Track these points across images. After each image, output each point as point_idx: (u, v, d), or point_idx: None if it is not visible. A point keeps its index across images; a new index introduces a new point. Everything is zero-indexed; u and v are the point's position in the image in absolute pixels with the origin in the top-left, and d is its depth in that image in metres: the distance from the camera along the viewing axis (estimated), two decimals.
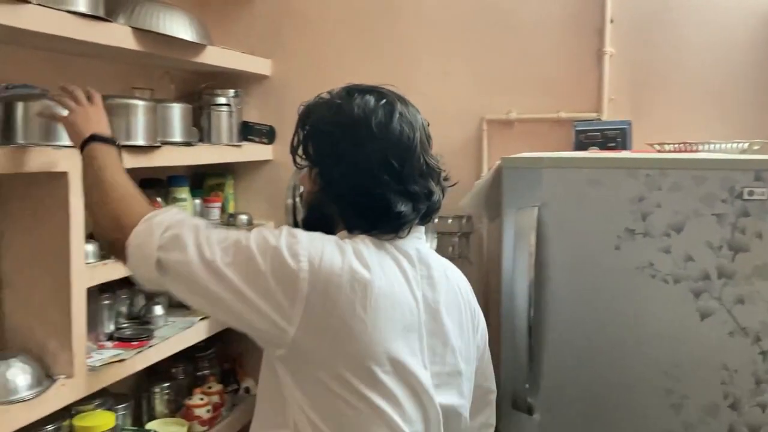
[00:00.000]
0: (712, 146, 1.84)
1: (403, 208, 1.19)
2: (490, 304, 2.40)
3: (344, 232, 1.24)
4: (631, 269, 1.61)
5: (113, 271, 1.83)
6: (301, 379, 1.16)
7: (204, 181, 2.57)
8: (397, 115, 1.21)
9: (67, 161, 1.60)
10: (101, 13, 1.72)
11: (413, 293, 1.21)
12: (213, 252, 1.14)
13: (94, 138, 1.40)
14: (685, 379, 1.59)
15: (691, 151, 1.85)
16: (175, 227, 1.19)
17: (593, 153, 1.90)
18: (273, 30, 2.59)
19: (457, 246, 2.30)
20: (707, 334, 1.58)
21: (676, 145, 1.87)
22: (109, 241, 1.28)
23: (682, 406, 1.60)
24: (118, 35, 1.80)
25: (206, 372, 2.48)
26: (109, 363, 1.78)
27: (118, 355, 1.83)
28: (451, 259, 2.30)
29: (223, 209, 2.56)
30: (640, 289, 1.61)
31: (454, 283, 1.31)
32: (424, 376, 1.20)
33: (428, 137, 1.28)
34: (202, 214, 2.44)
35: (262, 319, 1.13)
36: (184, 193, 2.29)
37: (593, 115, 2.27)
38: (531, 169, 1.67)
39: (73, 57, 1.97)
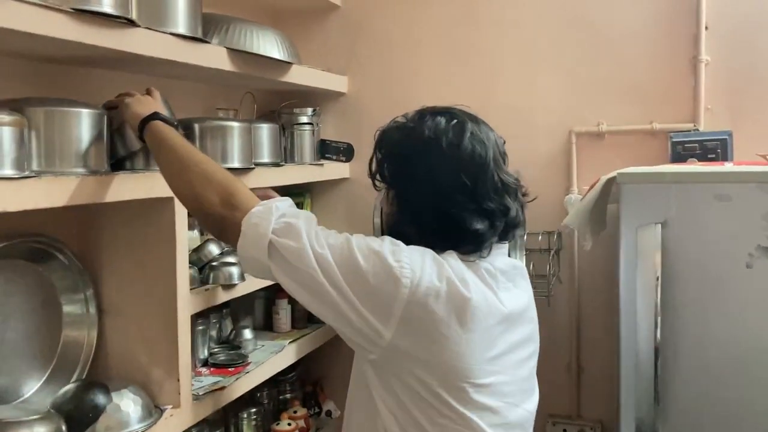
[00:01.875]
0: None
1: (479, 225, 1.21)
2: (585, 324, 2.33)
3: None
4: (764, 289, 1.53)
5: (214, 296, 1.80)
6: (393, 386, 1.19)
7: None
8: (468, 134, 1.24)
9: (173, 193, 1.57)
10: (199, 34, 1.70)
11: (502, 304, 1.22)
12: (322, 246, 1.17)
13: (156, 116, 1.39)
14: None
15: None
16: (290, 216, 1.21)
17: (720, 167, 1.82)
18: (348, 46, 2.55)
19: (550, 263, 2.22)
20: None
21: None
22: (216, 215, 1.25)
23: None
24: (214, 56, 1.77)
25: (289, 396, 2.45)
26: (211, 391, 1.74)
27: (218, 382, 1.80)
28: (543, 276, 2.26)
29: None
30: None
31: (529, 291, 1.35)
32: (514, 386, 1.24)
33: (503, 154, 1.29)
34: None
35: (360, 319, 1.15)
36: None
37: (689, 125, 2.18)
38: (652, 184, 1.60)
39: (156, 78, 1.95)
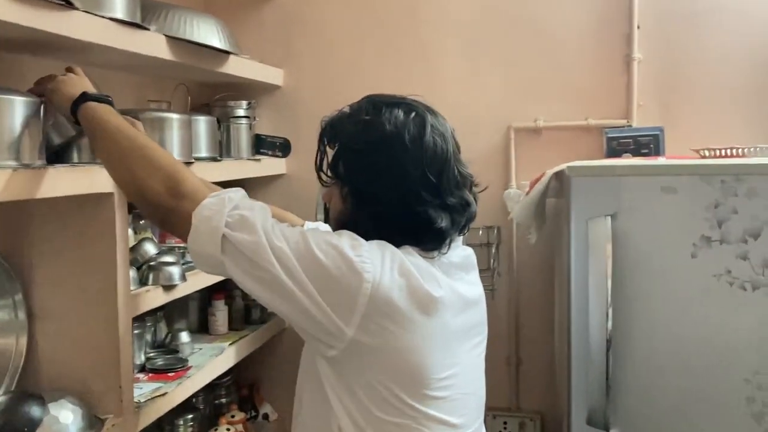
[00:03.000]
0: (759, 150, 1.84)
1: (444, 223, 1.18)
2: (524, 317, 2.36)
3: None
4: (708, 277, 1.59)
5: (155, 298, 1.70)
6: (351, 383, 1.15)
7: None
8: (429, 128, 1.20)
9: (112, 180, 1.47)
10: (138, 20, 1.60)
11: (458, 296, 1.21)
12: (280, 238, 1.11)
13: (86, 96, 1.28)
14: (767, 386, 1.57)
15: (739, 156, 1.84)
16: (244, 208, 1.14)
17: (667, 160, 1.87)
18: (284, 38, 2.49)
19: (492, 258, 2.24)
20: None
21: (724, 150, 1.86)
22: (162, 207, 1.17)
23: (764, 414, 1.58)
24: (153, 44, 1.68)
25: (225, 400, 2.36)
26: (152, 398, 1.65)
27: (160, 388, 1.71)
28: (485, 271, 2.27)
29: None
30: (718, 297, 1.58)
31: (479, 281, 1.34)
32: (468, 375, 1.24)
33: (458, 145, 1.27)
34: None
35: (322, 315, 1.10)
36: None
37: (623, 121, 2.25)
38: (601, 178, 1.63)
39: (87, 67, 1.82)
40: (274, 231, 1.12)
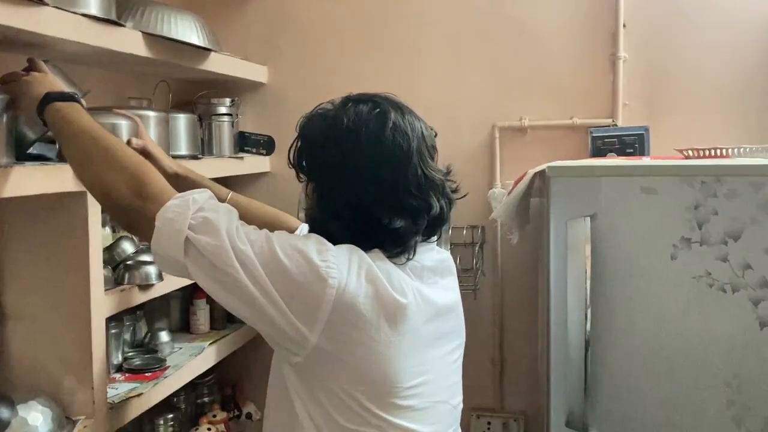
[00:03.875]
0: (743, 151, 1.82)
1: (399, 223, 1.14)
2: (508, 317, 2.34)
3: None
4: (687, 279, 1.57)
5: (130, 297, 1.68)
6: (316, 391, 1.13)
7: None
8: (390, 124, 1.16)
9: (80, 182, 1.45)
10: (113, 16, 1.58)
11: (429, 301, 1.18)
12: (244, 242, 1.08)
13: (50, 97, 1.24)
14: (747, 389, 1.56)
15: (723, 157, 1.83)
16: (208, 210, 1.11)
17: (647, 161, 1.86)
18: (268, 35, 2.46)
19: (475, 257, 2.22)
20: (767, 342, 1.55)
21: (708, 151, 1.84)
22: (126, 208, 1.14)
23: (743, 418, 1.56)
24: (129, 41, 1.66)
25: (207, 399, 2.34)
26: (127, 398, 1.63)
27: (135, 388, 1.69)
28: (469, 270, 2.25)
29: None
30: (698, 299, 1.57)
31: (455, 286, 1.31)
32: (440, 382, 1.21)
33: (430, 147, 1.21)
34: None
35: (285, 321, 1.08)
36: None
37: (608, 121, 2.23)
38: (581, 178, 1.62)
39: (63, 64, 1.80)
40: (238, 234, 1.09)
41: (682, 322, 1.58)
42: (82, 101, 1.30)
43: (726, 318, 1.56)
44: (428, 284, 1.20)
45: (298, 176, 1.26)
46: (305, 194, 1.25)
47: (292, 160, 1.24)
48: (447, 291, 1.26)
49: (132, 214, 1.14)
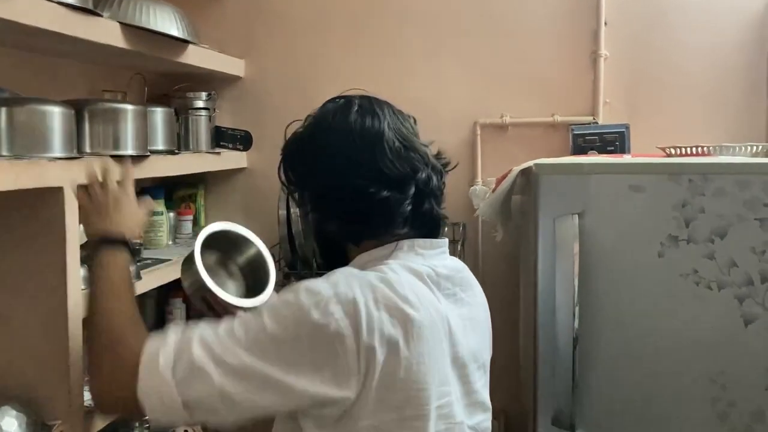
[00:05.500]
0: (724, 149, 1.83)
1: (386, 192, 1.12)
2: (492, 316, 2.32)
3: (363, 256, 1.16)
4: (675, 277, 1.57)
5: None
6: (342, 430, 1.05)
7: (173, 192, 2.36)
8: (356, 108, 1.17)
9: (63, 175, 1.40)
10: (90, 5, 1.52)
11: (446, 317, 1.12)
12: (237, 355, 1.00)
13: (105, 241, 1.23)
14: (731, 386, 1.57)
15: (705, 155, 1.84)
16: (182, 351, 1.02)
17: (632, 158, 1.86)
18: (245, 28, 2.41)
19: (457, 255, 2.20)
20: (752, 339, 1.56)
21: (690, 149, 1.85)
22: (113, 400, 1.10)
23: (728, 414, 1.57)
24: (106, 31, 1.60)
25: None
26: None
27: None
28: None
29: (195, 222, 2.36)
30: (685, 296, 1.57)
31: (479, 296, 1.27)
32: (462, 402, 1.15)
33: (407, 127, 1.19)
34: (176, 227, 2.24)
35: (320, 395, 1.01)
36: (159, 206, 2.09)
37: (589, 118, 2.24)
38: (569, 175, 1.61)
39: (34, 55, 1.75)
40: (225, 348, 1.00)
41: (669, 319, 1.59)
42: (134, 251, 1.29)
43: (712, 315, 1.57)
44: (447, 295, 1.15)
45: (292, 195, 1.27)
46: (303, 206, 1.23)
47: (282, 179, 1.24)
48: (468, 302, 1.20)
49: (115, 407, 1.15)
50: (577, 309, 1.56)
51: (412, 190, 1.14)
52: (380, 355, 1.01)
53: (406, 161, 1.14)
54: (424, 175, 1.15)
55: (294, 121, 1.29)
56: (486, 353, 1.26)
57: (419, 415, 1.05)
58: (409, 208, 1.14)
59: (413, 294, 1.06)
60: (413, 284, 1.09)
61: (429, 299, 1.10)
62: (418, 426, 1.05)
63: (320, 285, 1.04)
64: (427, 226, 1.19)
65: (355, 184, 1.13)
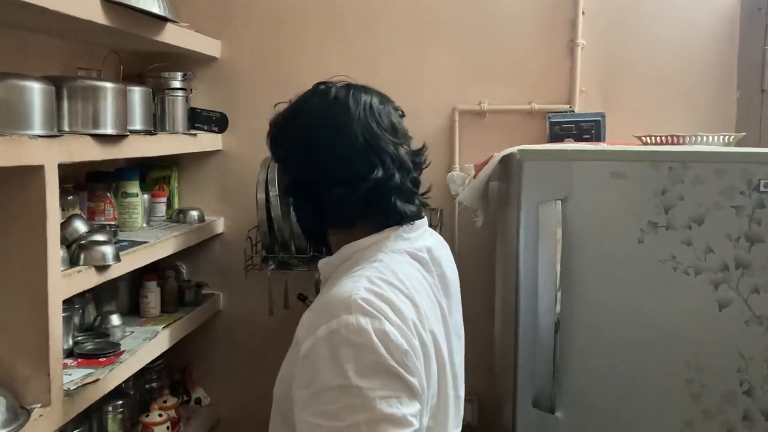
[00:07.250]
0: (699, 139, 1.88)
1: (338, 188, 1.14)
2: (465, 300, 2.31)
3: (345, 249, 1.16)
4: (654, 262, 1.61)
5: (87, 279, 1.59)
6: None
7: (147, 174, 2.32)
8: (330, 98, 1.19)
9: (44, 153, 1.36)
10: None
11: (439, 303, 1.17)
12: None
13: None
14: (705, 368, 1.62)
15: (680, 144, 1.88)
16: None
17: (608, 146, 1.89)
18: (221, 8, 2.37)
19: None
20: (725, 323, 1.61)
21: (665, 138, 1.89)
22: None
23: (701, 395, 1.62)
24: (86, 6, 1.55)
25: (156, 384, 2.26)
26: (83, 384, 1.55)
27: (91, 374, 1.61)
28: None
29: (168, 204, 2.33)
30: (663, 282, 1.61)
31: (454, 272, 1.31)
32: (452, 391, 1.20)
33: (380, 120, 1.18)
34: (150, 210, 2.20)
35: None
36: (134, 187, 2.05)
37: (565, 106, 2.26)
38: (553, 161, 1.63)
39: (5, 29, 1.69)
40: None
41: (648, 303, 1.62)
42: None
43: (688, 300, 1.61)
44: (435, 277, 1.18)
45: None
46: (296, 199, 1.25)
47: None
48: (449, 280, 1.24)
49: None
50: (559, 293, 1.58)
51: (365, 186, 1.13)
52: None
53: (364, 159, 1.14)
54: (381, 174, 1.14)
55: (279, 104, 1.27)
56: (462, 324, 1.31)
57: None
58: (362, 203, 1.14)
59: (411, 285, 1.09)
60: (407, 271, 1.11)
61: (421, 283, 1.13)
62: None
63: (352, 335, 0.98)
64: (393, 218, 1.17)
65: (311, 175, 1.17)
